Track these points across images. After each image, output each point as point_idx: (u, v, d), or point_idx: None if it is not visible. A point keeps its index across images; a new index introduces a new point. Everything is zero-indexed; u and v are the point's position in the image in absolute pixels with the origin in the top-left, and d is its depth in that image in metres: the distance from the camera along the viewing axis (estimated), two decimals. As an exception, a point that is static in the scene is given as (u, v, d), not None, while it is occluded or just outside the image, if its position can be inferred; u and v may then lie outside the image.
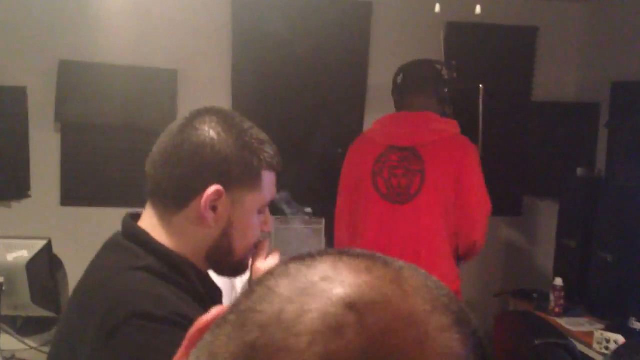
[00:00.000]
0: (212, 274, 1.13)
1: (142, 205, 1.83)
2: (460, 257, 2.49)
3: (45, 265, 2.07)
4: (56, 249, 2.25)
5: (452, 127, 2.45)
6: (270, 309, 0.40)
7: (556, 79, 3.96)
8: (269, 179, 1.05)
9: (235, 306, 0.42)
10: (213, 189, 0.99)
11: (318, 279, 0.41)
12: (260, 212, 1.07)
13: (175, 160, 1.00)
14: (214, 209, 1.01)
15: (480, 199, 2.42)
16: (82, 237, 3.31)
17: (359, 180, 2.48)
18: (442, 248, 2.41)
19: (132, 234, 1.03)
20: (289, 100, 3.61)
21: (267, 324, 0.39)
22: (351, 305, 0.39)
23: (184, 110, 1.88)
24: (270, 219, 1.12)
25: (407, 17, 3.68)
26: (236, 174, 1.01)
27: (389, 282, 0.41)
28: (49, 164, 3.37)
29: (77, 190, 3.38)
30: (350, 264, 0.42)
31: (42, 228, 3.09)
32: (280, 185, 1.15)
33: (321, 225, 3.76)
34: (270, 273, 0.43)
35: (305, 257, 0.43)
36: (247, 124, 1.05)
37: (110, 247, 1.05)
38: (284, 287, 0.41)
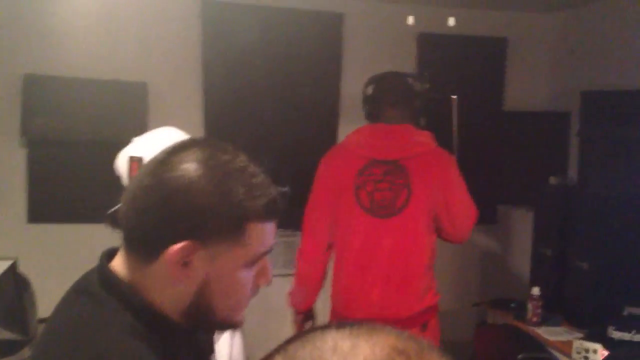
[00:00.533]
0: None
1: (111, 221, 1.76)
2: None
3: (11, 286, 1.99)
4: (23, 268, 2.16)
5: (432, 139, 2.45)
6: (323, 345, 0.49)
7: (527, 88, 4.00)
8: (259, 230, 0.90)
9: (277, 350, 0.50)
10: (180, 245, 0.85)
11: (363, 331, 0.51)
12: (250, 266, 0.91)
13: (143, 206, 0.87)
14: (186, 264, 0.87)
15: (467, 210, 2.43)
16: (50, 255, 3.22)
17: (339, 193, 2.43)
18: (426, 261, 2.41)
19: (108, 282, 0.91)
20: (262, 111, 3.56)
21: (320, 355, 0.48)
22: (398, 351, 0.50)
23: (155, 123, 1.82)
24: (270, 268, 0.96)
25: (378, 28, 3.67)
26: (213, 227, 0.87)
27: (412, 340, 0.52)
28: (15, 180, 3.26)
29: (44, 207, 3.28)
30: (376, 329, 0.53)
31: (8, 247, 2.98)
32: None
33: (295, 237, 3.72)
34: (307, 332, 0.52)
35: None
36: (239, 162, 0.89)
37: (84, 293, 0.92)
38: (332, 333, 0.51)
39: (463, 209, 2.41)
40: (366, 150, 2.42)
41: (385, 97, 2.47)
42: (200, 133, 3.44)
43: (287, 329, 2.75)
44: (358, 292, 2.43)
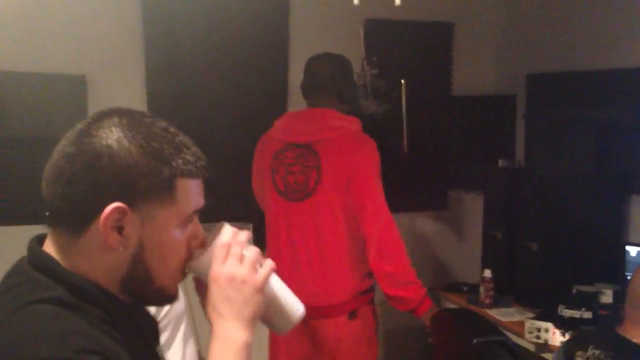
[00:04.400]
0: None
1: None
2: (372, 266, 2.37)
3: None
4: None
5: (350, 124, 2.40)
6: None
7: (474, 73, 4.02)
8: (188, 187, 0.91)
9: None
10: (112, 207, 0.85)
11: None
12: (182, 226, 0.92)
13: (68, 176, 0.86)
14: (120, 229, 0.87)
15: (371, 197, 2.32)
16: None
17: (262, 178, 2.48)
18: (346, 244, 2.35)
19: (37, 260, 0.89)
20: (208, 101, 3.46)
21: None
22: None
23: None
24: (202, 231, 0.97)
25: (325, 14, 3.62)
26: (142, 187, 0.86)
27: None
28: (-54, 182, 3.08)
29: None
30: None
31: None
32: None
33: (248, 229, 3.65)
34: None
35: None
36: (159, 125, 0.90)
37: (14, 276, 0.90)
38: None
39: (369, 196, 2.32)
40: (283, 134, 2.44)
41: (311, 82, 2.47)
42: (143, 126, 3.32)
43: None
44: (281, 276, 2.40)
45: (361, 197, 2.31)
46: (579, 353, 1.89)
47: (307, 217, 2.36)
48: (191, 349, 1.60)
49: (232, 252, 0.96)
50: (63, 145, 0.88)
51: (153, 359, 1.00)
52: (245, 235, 0.99)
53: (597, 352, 1.84)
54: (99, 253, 0.88)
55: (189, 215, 0.93)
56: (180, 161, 0.89)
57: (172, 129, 0.91)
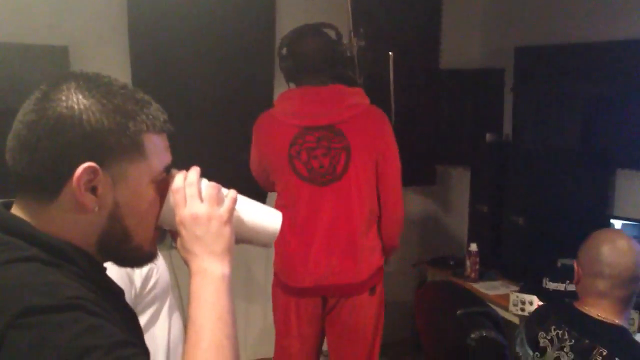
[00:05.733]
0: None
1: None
2: (385, 234, 2.47)
3: None
4: None
5: (364, 98, 2.39)
6: None
7: (462, 45, 3.99)
8: (155, 142, 0.91)
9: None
10: (82, 167, 0.84)
11: None
12: (154, 182, 0.93)
13: (34, 143, 0.84)
14: (93, 190, 0.86)
15: (398, 168, 2.42)
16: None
17: (277, 164, 2.36)
18: (371, 223, 2.40)
19: (7, 224, 0.87)
20: (192, 73, 3.41)
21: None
22: None
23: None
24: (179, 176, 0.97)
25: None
26: (109, 144, 0.86)
27: None
28: None
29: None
30: None
31: None
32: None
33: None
34: None
35: None
36: (117, 84, 0.90)
37: None
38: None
39: (396, 168, 2.41)
40: (297, 119, 2.32)
41: (305, 62, 2.36)
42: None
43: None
44: (304, 261, 2.38)
45: (386, 180, 2.37)
46: (541, 334, 1.80)
47: (335, 200, 2.32)
48: (177, 323, 1.59)
49: (189, 194, 0.96)
50: (23, 115, 0.87)
51: (130, 315, 1.00)
52: (194, 173, 0.98)
53: (560, 332, 1.77)
54: (74, 215, 0.87)
55: (160, 171, 0.94)
56: (143, 116, 0.89)
57: (130, 87, 0.92)
